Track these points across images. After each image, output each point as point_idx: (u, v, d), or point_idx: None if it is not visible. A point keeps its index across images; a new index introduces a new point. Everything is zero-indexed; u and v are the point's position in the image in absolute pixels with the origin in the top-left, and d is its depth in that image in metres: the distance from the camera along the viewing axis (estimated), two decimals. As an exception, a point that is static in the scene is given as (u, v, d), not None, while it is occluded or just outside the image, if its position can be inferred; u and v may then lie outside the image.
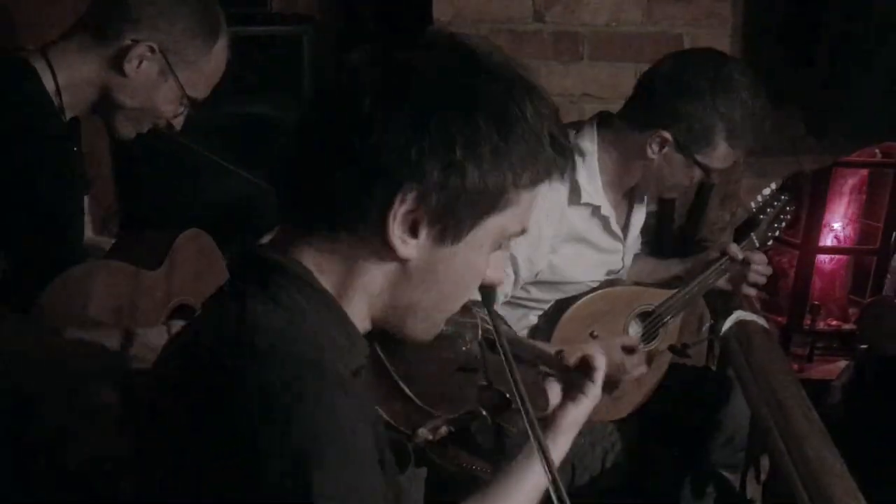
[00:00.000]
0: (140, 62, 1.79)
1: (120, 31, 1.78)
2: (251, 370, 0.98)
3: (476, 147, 1.04)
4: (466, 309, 1.36)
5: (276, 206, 1.15)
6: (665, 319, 2.38)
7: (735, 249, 2.36)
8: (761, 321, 2.51)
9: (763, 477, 2.60)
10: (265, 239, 1.17)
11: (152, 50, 1.78)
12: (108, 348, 1.71)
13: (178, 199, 2.77)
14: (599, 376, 1.43)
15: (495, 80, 1.08)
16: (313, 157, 1.09)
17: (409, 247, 1.08)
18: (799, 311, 4.23)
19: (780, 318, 4.25)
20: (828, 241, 4.24)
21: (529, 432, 1.18)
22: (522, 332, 2.34)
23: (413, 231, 1.07)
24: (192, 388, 1.01)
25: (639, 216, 2.44)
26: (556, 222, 2.20)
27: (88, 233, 2.09)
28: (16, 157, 1.69)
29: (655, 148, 2.19)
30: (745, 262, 2.38)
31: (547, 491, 1.16)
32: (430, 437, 1.42)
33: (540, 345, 2.26)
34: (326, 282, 1.10)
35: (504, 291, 2.20)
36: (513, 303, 2.30)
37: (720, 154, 2.19)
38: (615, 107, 2.34)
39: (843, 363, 3.84)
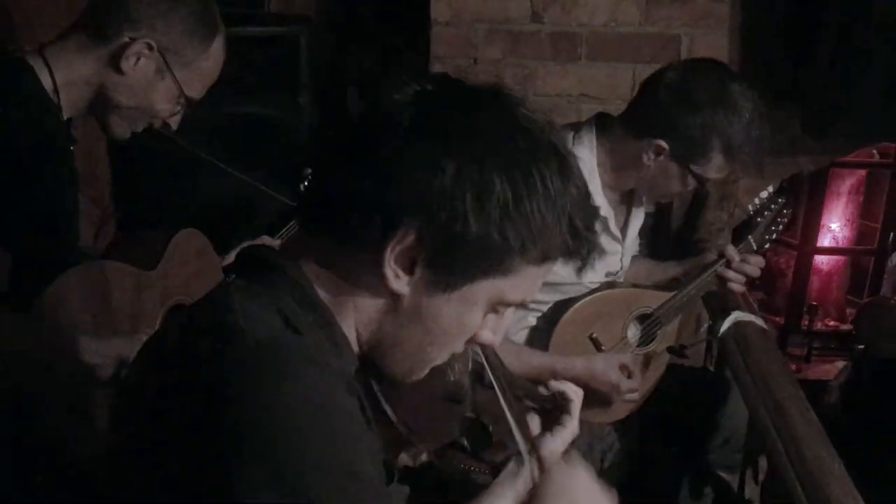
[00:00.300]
0: (137, 59, 1.79)
1: (118, 30, 1.77)
2: (232, 357, 0.99)
3: (485, 203, 1.02)
4: None
5: (271, 206, 1.15)
6: (663, 322, 2.38)
7: (732, 252, 2.36)
8: (759, 322, 2.51)
9: (761, 477, 2.60)
10: (271, 242, 1.17)
11: (150, 47, 1.78)
12: (108, 348, 1.71)
13: (175, 200, 2.77)
14: (576, 407, 1.41)
15: (528, 142, 1.04)
16: (335, 166, 1.09)
17: (401, 282, 1.07)
18: (796, 312, 4.23)
19: (777, 319, 4.26)
20: (825, 241, 4.25)
21: (526, 462, 1.19)
22: (522, 334, 2.34)
23: (409, 268, 1.06)
24: (176, 378, 1.02)
25: (637, 218, 2.45)
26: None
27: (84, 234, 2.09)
28: (15, 157, 1.69)
29: (651, 155, 2.20)
30: (742, 264, 2.38)
31: None
32: (411, 463, 1.42)
33: (538, 354, 2.26)
34: (321, 291, 1.10)
35: None
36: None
37: (715, 165, 2.19)
38: (613, 107, 2.33)
39: (840, 363, 3.85)
